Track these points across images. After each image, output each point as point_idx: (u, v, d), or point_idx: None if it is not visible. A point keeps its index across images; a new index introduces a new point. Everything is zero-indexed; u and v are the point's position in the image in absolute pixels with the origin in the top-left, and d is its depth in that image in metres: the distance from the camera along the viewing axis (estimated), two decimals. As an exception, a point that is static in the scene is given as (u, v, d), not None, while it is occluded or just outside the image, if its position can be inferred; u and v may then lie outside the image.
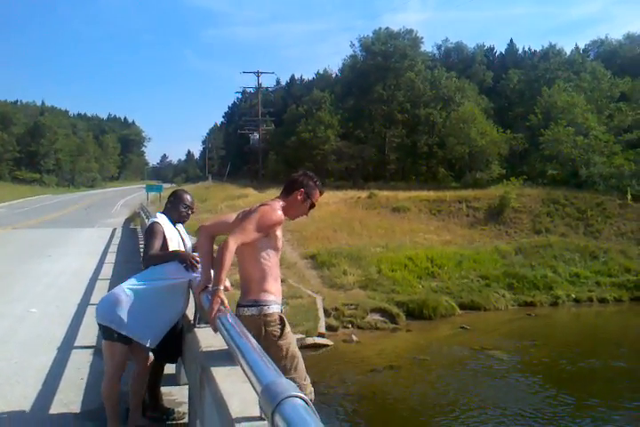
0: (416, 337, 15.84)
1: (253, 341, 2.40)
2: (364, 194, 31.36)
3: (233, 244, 3.05)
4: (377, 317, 16.62)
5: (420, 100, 46.26)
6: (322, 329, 14.73)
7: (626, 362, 13.86)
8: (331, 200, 28.88)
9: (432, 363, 13.53)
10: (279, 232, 3.25)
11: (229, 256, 3.03)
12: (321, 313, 15.59)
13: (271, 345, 3.09)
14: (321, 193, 3.45)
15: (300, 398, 1.63)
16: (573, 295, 20.36)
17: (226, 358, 2.80)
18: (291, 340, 3.25)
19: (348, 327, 15.85)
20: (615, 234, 26.29)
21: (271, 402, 1.63)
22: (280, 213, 3.23)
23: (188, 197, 4.41)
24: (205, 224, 3.52)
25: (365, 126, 47.61)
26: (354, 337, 14.98)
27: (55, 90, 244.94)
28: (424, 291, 18.83)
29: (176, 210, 4.30)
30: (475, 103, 43.72)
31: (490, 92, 51.35)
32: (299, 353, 3.27)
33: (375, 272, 19.56)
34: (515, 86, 50.04)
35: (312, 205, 3.42)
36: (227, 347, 2.65)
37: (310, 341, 13.97)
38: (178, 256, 3.90)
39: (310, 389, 3.26)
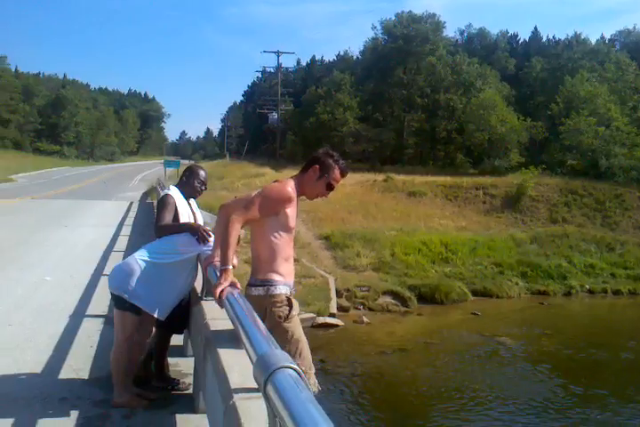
0: (427, 321, 15.89)
1: (256, 317, 2.42)
2: (380, 177, 31.26)
3: (236, 223, 2.99)
4: (388, 299, 16.68)
5: (441, 85, 45.79)
6: (333, 309, 14.83)
7: (637, 355, 13.81)
8: (347, 182, 28.77)
9: (441, 347, 13.57)
10: (290, 211, 3.12)
11: (235, 234, 2.98)
12: (333, 293, 15.68)
13: (275, 327, 2.99)
14: (342, 173, 3.23)
15: (293, 369, 1.64)
16: (587, 286, 20.26)
17: (229, 331, 2.84)
18: (296, 324, 3.13)
19: (360, 309, 15.95)
20: (633, 226, 26.08)
21: (264, 372, 1.65)
22: (290, 190, 3.10)
23: (203, 172, 4.42)
24: (225, 203, 3.51)
25: (384, 110, 47.24)
26: (364, 318, 15.05)
27: (77, 63, 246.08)
28: (437, 276, 18.84)
29: (190, 185, 4.32)
30: (496, 90, 43.19)
31: (512, 79, 50.63)
32: (304, 339, 3.15)
33: (389, 255, 19.57)
34: (537, 75, 49.29)
35: (330, 185, 3.21)
36: (230, 320, 2.68)
37: (321, 320, 14.08)
38: (189, 228, 3.94)
39: (314, 380, 3.15)
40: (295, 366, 1.66)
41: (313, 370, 3.17)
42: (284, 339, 2.98)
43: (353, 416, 9.43)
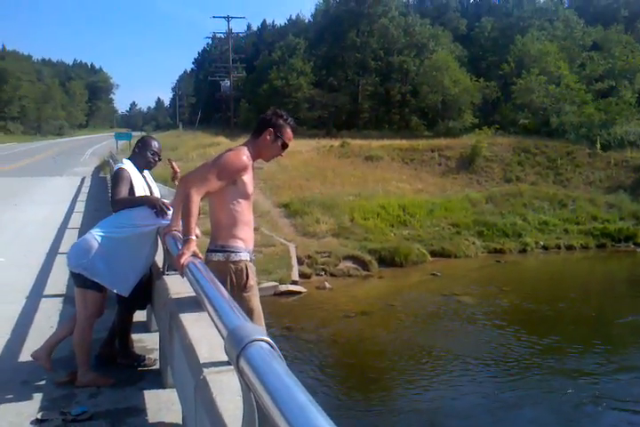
0: (388, 284, 16.10)
1: (221, 287, 2.38)
2: (336, 142, 31.19)
3: (195, 194, 3.00)
4: (349, 264, 16.80)
5: (394, 47, 45.48)
6: (295, 277, 14.87)
7: (592, 308, 14.30)
8: (303, 149, 28.67)
9: (403, 309, 13.79)
10: (247, 178, 3.13)
11: (195, 206, 2.99)
12: (294, 261, 15.71)
13: (233, 295, 3.02)
14: (293, 131, 3.27)
15: (266, 341, 1.60)
16: (542, 243, 20.80)
17: (194, 304, 2.79)
18: (254, 293, 3.18)
19: (321, 275, 16.04)
20: (584, 182, 26.72)
21: (236, 346, 1.60)
22: (245, 158, 3.12)
23: (155, 143, 4.30)
24: (184, 176, 3.44)
25: (338, 74, 46.78)
26: (327, 284, 15.16)
27: (16, 34, 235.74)
28: (396, 239, 19.04)
29: (143, 157, 4.20)
30: (448, 51, 43.18)
31: (464, 39, 50.65)
32: (259, 308, 3.21)
33: (348, 221, 19.67)
34: (488, 34, 49.42)
35: (284, 145, 3.25)
36: (194, 293, 2.63)
37: (284, 288, 14.13)
38: (147, 201, 3.85)
39: None
40: (268, 339, 1.62)
41: None
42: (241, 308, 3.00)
43: (320, 381, 9.55)
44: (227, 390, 1.99)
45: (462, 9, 58.86)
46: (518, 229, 21.18)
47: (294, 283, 14.58)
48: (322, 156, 28.80)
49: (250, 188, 3.17)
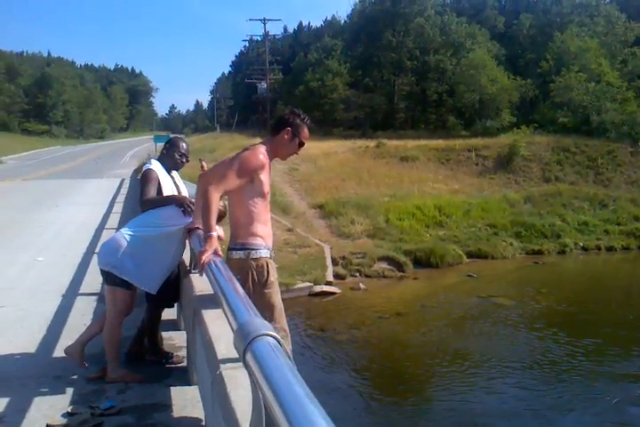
0: (423, 285, 16.01)
1: (237, 284, 2.43)
2: (372, 143, 31.06)
3: (215, 193, 3.06)
4: (384, 265, 16.77)
5: (430, 46, 45.04)
6: (329, 277, 14.92)
7: (632, 310, 13.96)
8: (339, 150, 28.71)
9: (438, 310, 13.71)
10: (264, 177, 3.19)
11: (214, 203, 3.05)
12: (329, 262, 15.76)
13: (255, 292, 3.11)
14: (309, 129, 3.34)
15: (272, 336, 1.64)
16: (581, 244, 20.41)
17: (216, 302, 2.84)
18: (275, 290, 3.24)
19: (356, 276, 16.04)
20: (625, 182, 26.10)
21: (243, 341, 1.64)
22: (262, 157, 3.17)
23: (184, 144, 4.38)
24: (203, 173, 3.54)
25: (374, 74, 46.61)
26: (361, 285, 15.16)
27: (61, 41, 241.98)
28: (431, 240, 18.92)
29: (170, 157, 4.28)
30: (485, 49, 42.55)
31: (501, 37, 49.82)
32: (281, 304, 3.26)
33: (383, 221, 19.63)
34: (527, 32, 48.57)
35: (301, 143, 3.31)
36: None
37: (318, 289, 14.19)
38: (174, 200, 3.93)
39: (289, 346, 3.28)
40: (274, 334, 1.66)
41: (289, 336, 3.27)
42: (261, 304, 3.06)
43: (353, 382, 9.56)
44: (240, 386, 2.02)
45: (500, 6, 57.96)
46: (557, 229, 20.82)
47: (329, 284, 14.62)
48: (357, 156, 28.74)
49: (267, 187, 3.23)
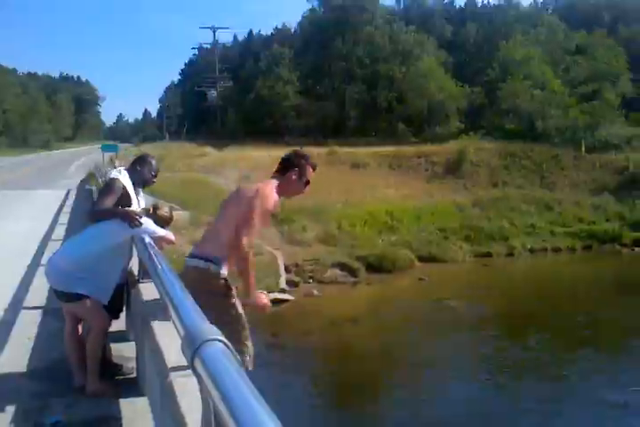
0: (376, 290, 16.11)
1: (186, 291, 2.37)
2: (324, 150, 31.15)
3: (251, 254, 3.18)
4: (337, 271, 16.81)
5: (380, 55, 45.72)
6: (283, 285, 14.87)
7: (579, 309, 14.34)
8: (290, 157, 28.62)
9: (392, 315, 13.80)
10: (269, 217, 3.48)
11: (253, 268, 3.20)
12: (282, 269, 15.69)
13: (218, 302, 3.13)
14: (313, 169, 3.50)
15: (220, 341, 1.61)
16: (529, 246, 20.91)
17: (164, 309, 2.78)
18: (238, 301, 3.29)
19: (310, 282, 16.02)
20: (570, 185, 26.88)
21: (190, 346, 1.61)
22: (276, 196, 3.32)
23: (155, 162, 4.31)
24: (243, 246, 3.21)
25: (325, 83, 46.96)
26: (315, 292, 15.15)
27: (1, 48, 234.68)
28: (383, 245, 19.06)
29: (141, 174, 4.16)
30: (434, 58, 43.44)
31: (449, 46, 51.02)
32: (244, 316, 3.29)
33: (335, 228, 19.69)
34: (473, 40, 49.82)
35: (307, 182, 3.48)
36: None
37: (271, 296, 14.06)
38: (120, 214, 3.80)
39: (251, 352, 3.27)
40: (223, 339, 1.63)
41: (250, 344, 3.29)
42: (228, 315, 3.13)
43: (306, 388, 9.52)
44: (189, 393, 1.99)
45: (447, 15, 59.30)
46: (505, 232, 21.29)
47: (282, 291, 14.57)
48: (309, 164, 28.72)
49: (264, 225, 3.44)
